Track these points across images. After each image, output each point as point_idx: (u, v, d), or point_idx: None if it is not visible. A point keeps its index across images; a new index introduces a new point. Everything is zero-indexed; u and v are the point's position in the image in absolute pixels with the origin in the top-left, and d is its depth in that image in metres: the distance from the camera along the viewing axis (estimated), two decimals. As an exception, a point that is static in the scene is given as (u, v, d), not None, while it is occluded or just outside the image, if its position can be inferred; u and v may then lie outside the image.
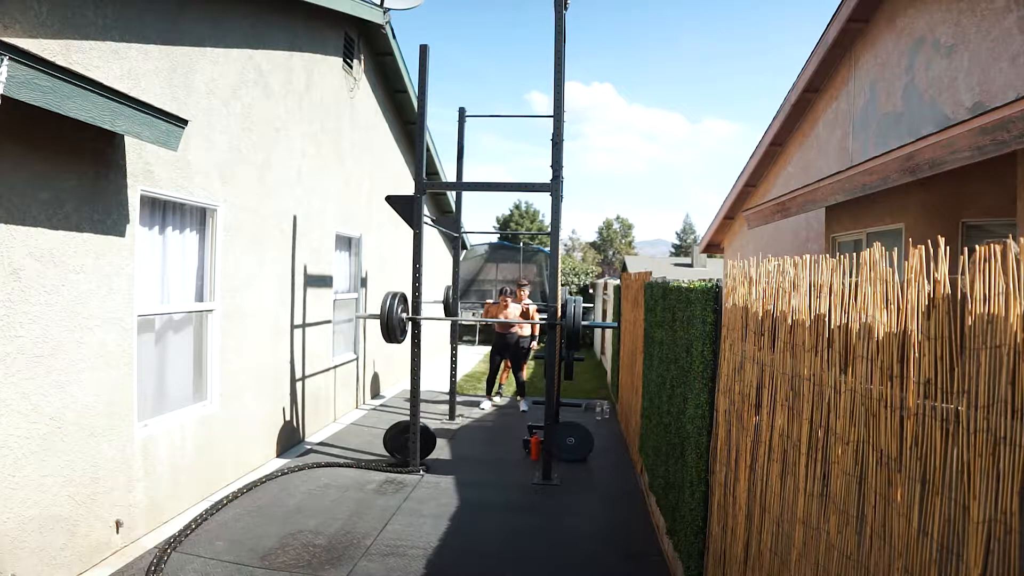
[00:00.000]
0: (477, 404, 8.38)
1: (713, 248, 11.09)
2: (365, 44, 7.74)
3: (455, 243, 8.15)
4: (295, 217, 5.97)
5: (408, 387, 6.28)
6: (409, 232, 5.80)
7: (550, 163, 5.31)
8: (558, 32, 5.38)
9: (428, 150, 10.10)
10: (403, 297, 5.66)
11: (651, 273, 5.88)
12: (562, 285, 14.58)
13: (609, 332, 11.16)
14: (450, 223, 8.34)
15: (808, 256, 1.96)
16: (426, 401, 8.14)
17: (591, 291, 19.14)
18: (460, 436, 6.75)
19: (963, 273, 1.22)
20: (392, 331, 5.47)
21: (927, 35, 4.83)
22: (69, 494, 3.26)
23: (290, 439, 6.01)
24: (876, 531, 1.50)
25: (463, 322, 12.87)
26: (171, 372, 4.33)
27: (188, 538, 3.86)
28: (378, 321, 5.74)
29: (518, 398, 8.45)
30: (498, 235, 26.76)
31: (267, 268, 5.44)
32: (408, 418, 5.57)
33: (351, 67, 7.30)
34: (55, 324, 3.14)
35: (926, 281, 1.35)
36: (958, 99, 4.38)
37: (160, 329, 4.19)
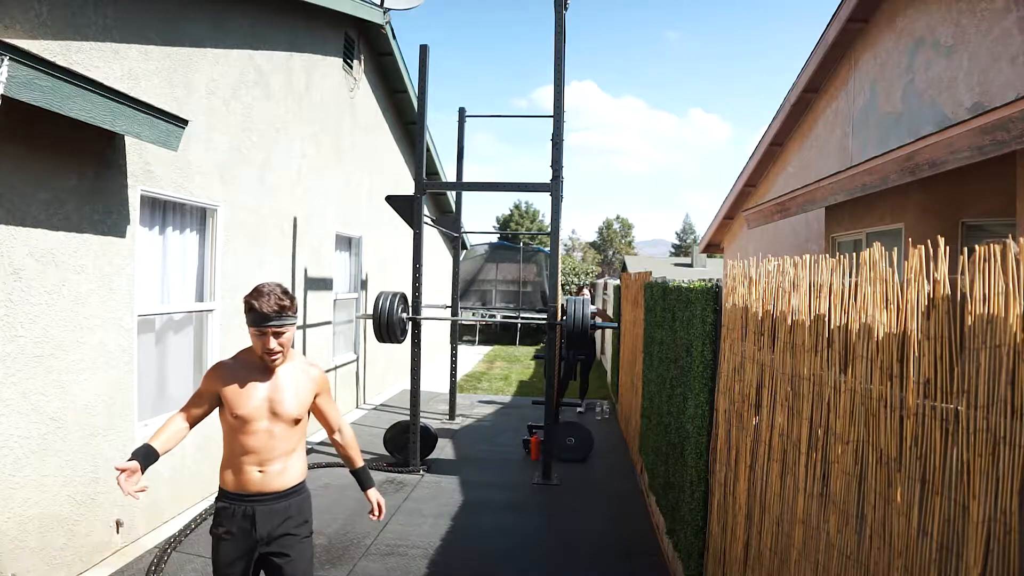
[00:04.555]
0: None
1: (713, 248, 11.08)
2: (365, 44, 7.74)
3: (455, 243, 8.15)
4: (295, 217, 5.96)
5: (408, 387, 6.28)
6: (409, 232, 5.80)
7: (550, 163, 5.31)
8: (558, 32, 5.38)
9: (428, 150, 10.10)
10: (403, 297, 5.66)
11: (651, 273, 5.88)
12: (562, 285, 14.55)
13: (609, 332, 11.15)
14: (450, 223, 8.34)
15: (808, 256, 1.96)
16: (426, 401, 8.15)
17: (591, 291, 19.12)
18: (460, 436, 6.75)
19: (963, 273, 1.22)
20: (391, 330, 5.46)
21: (927, 35, 4.83)
22: (69, 494, 3.26)
23: (290, 439, 6.00)
24: (876, 531, 1.50)
25: (463, 322, 12.86)
26: (171, 372, 4.33)
27: (188, 538, 3.86)
28: (378, 321, 5.72)
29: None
30: (498, 235, 26.75)
31: (267, 268, 5.44)
32: (408, 418, 5.57)
33: (351, 67, 7.30)
34: (55, 324, 3.14)
35: (926, 281, 1.35)
36: (958, 99, 4.38)
37: (160, 329, 4.19)
